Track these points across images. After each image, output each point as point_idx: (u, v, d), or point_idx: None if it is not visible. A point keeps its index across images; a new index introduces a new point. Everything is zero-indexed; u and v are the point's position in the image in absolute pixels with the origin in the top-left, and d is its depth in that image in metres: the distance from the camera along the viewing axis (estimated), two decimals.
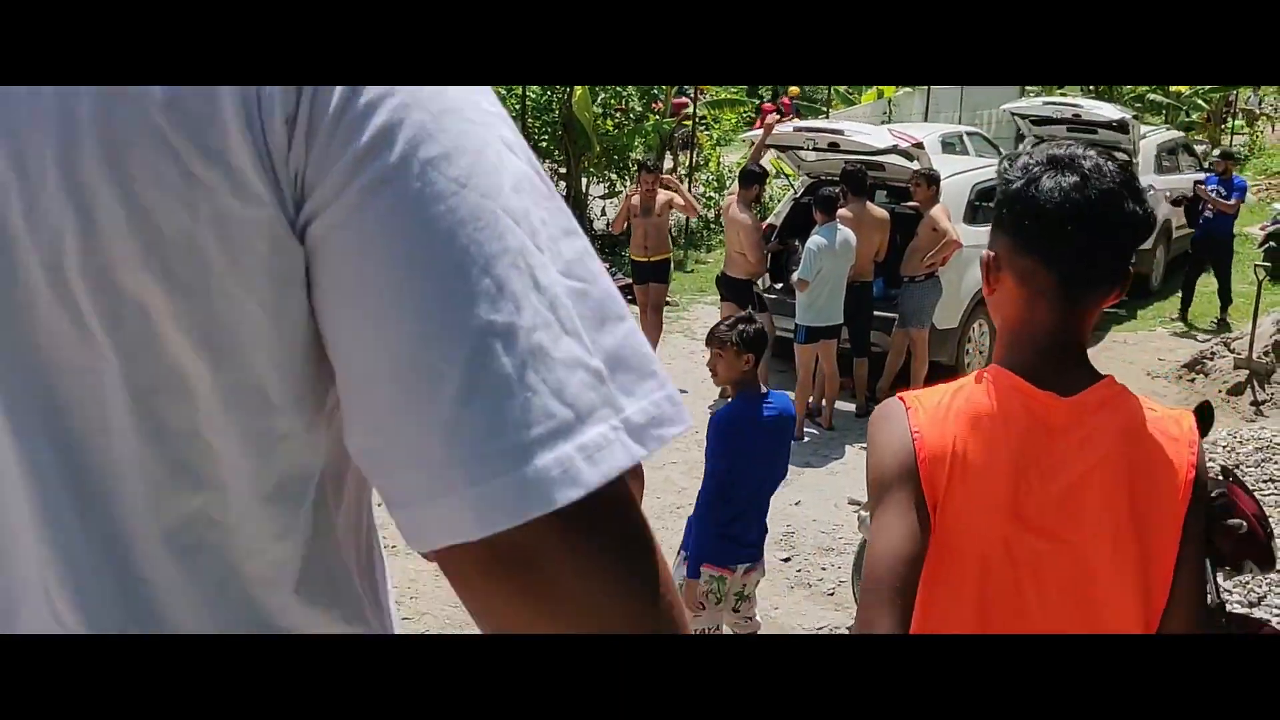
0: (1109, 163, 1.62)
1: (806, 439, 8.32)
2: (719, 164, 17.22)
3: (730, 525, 4.29)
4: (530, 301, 0.67)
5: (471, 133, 0.69)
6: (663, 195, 9.54)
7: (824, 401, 8.62)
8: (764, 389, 4.49)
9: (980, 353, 9.69)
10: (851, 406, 8.95)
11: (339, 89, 0.65)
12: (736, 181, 9.23)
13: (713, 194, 17.15)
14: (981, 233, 9.59)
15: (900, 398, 1.74)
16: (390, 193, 0.65)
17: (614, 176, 15.98)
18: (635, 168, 15.79)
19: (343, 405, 0.70)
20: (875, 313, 8.90)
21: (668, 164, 16.22)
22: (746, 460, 4.27)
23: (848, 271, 8.18)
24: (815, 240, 7.98)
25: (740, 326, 4.37)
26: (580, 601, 0.68)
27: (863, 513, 5.29)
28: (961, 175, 9.44)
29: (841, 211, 8.19)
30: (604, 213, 15.84)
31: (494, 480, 0.64)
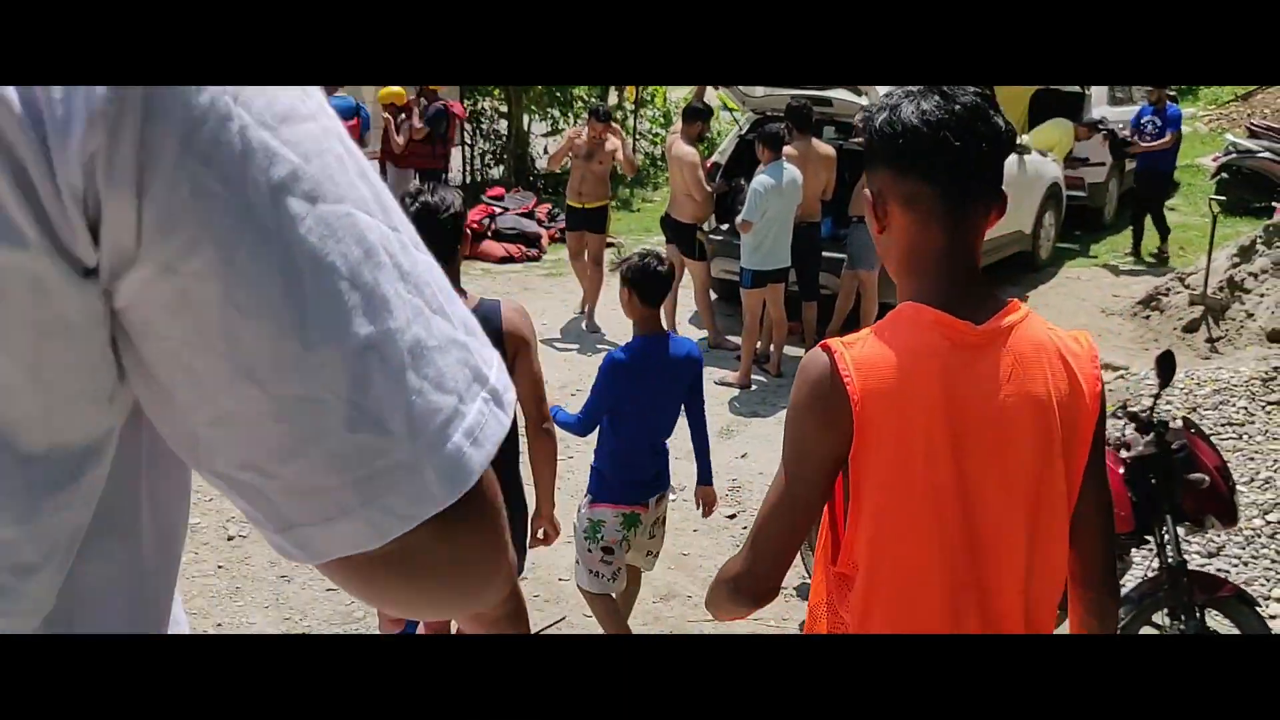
0: (962, 86, 1.71)
1: (755, 387, 8.06)
2: (665, 99, 16.78)
3: (633, 468, 4.21)
4: (400, 295, 0.67)
5: (311, 134, 0.65)
6: (610, 143, 9.13)
7: (772, 347, 8.34)
8: (666, 330, 4.36)
9: None
10: (801, 352, 8.68)
11: (160, 110, 0.58)
12: (680, 118, 8.83)
13: (659, 130, 16.75)
14: None
15: (824, 346, 1.76)
16: (248, 231, 0.61)
17: (556, 114, 15.52)
18: (584, 109, 15.41)
19: (201, 443, 0.67)
20: (824, 254, 8.61)
21: (612, 99, 15.74)
22: (644, 402, 4.17)
23: (795, 212, 7.87)
24: (761, 180, 7.64)
25: (640, 263, 4.16)
26: (450, 576, 0.76)
27: None
28: None
29: (787, 149, 7.86)
30: (545, 151, 15.39)
31: (388, 496, 0.66)
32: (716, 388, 7.87)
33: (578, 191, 9.11)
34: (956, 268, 1.73)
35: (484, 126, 14.90)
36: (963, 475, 1.70)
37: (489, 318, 3.30)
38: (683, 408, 4.35)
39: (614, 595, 4.30)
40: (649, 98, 16.43)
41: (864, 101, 8.55)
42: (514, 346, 3.35)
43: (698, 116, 8.69)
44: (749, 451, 6.86)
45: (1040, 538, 1.76)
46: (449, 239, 3.23)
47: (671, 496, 4.75)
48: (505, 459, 2.82)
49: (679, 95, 17.46)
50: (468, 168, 14.13)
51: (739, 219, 7.87)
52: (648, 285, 4.12)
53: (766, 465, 6.69)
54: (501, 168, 14.65)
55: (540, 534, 3.81)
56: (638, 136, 15.99)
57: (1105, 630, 1.88)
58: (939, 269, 1.73)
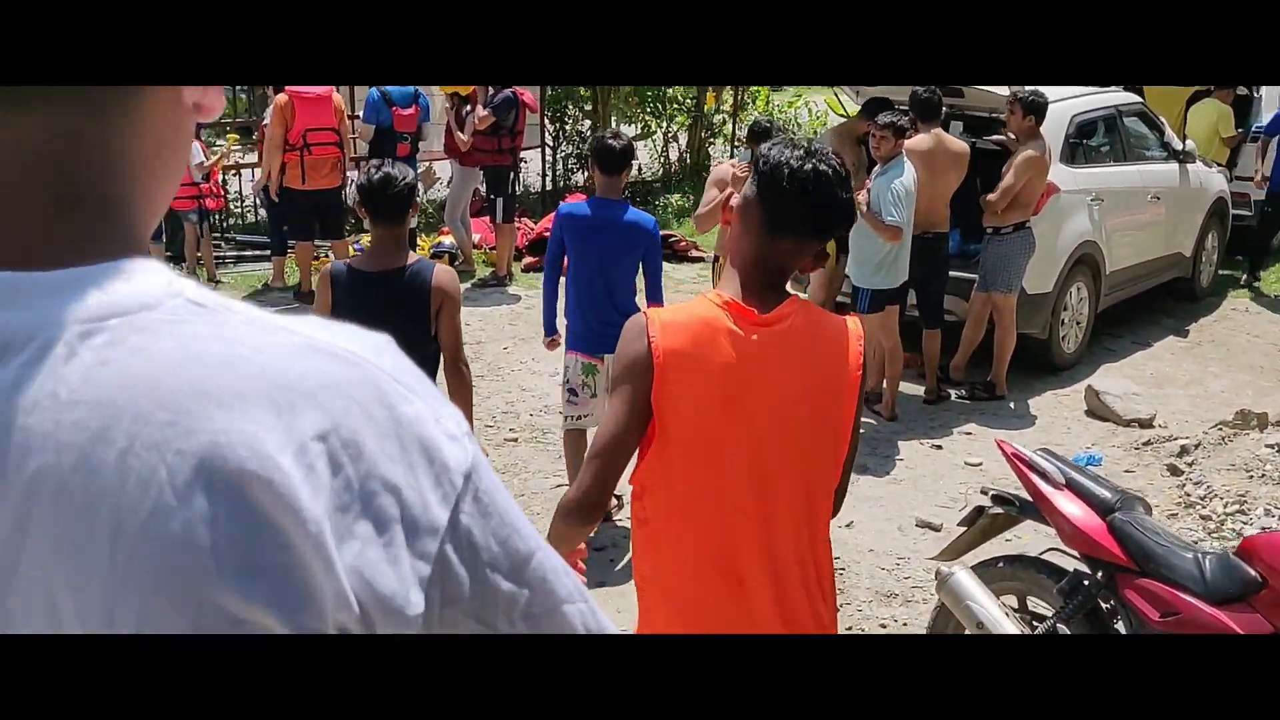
0: (832, 157, 2.25)
1: (862, 430, 6.63)
2: (768, 102, 15.38)
3: (585, 320, 4.99)
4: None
5: None
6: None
7: (884, 384, 6.89)
8: (624, 200, 5.17)
9: (1078, 323, 7.90)
10: (919, 390, 7.22)
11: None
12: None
13: None
14: (1082, 175, 7.81)
15: (644, 312, 2.28)
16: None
17: (649, 117, 14.21)
18: (677, 110, 14.14)
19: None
20: (951, 273, 7.14)
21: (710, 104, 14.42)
22: (593, 259, 4.92)
23: (913, 219, 6.45)
24: (899, 179, 6.20)
25: (598, 139, 5.27)
26: None
27: (945, 567, 3.65)
28: (1058, 104, 7.50)
29: (909, 144, 6.44)
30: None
31: None
32: None
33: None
34: (763, 274, 2.24)
35: (567, 128, 13.68)
36: (749, 423, 2.20)
37: (422, 273, 3.96)
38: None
39: (585, 431, 5.00)
40: (749, 100, 15.04)
41: (1003, 93, 7.07)
42: (439, 299, 3.96)
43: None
44: (855, 519, 5.43)
45: (813, 477, 2.27)
46: (403, 205, 3.98)
47: None
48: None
49: (783, 100, 16.05)
50: (549, 172, 12.90)
51: (887, 221, 6.22)
52: (605, 156, 5.02)
53: (877, 539, 5.25)
54: (586, 173, 13.39)
55: None
56: (736, 144, 14.61)
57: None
58: (745, 273, 2.25)
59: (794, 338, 2.20)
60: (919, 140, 6.59)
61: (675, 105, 14.24)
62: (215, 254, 10.03)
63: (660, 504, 2.26)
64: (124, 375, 0.65)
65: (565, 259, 5.04)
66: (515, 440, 6.17)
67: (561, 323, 5.28)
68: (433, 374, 3.85)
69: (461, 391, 4.10)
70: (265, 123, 8.87)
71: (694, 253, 10.69)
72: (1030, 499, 3.71)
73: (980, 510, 3.93)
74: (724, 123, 14.76)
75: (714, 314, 2.18)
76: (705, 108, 14.41)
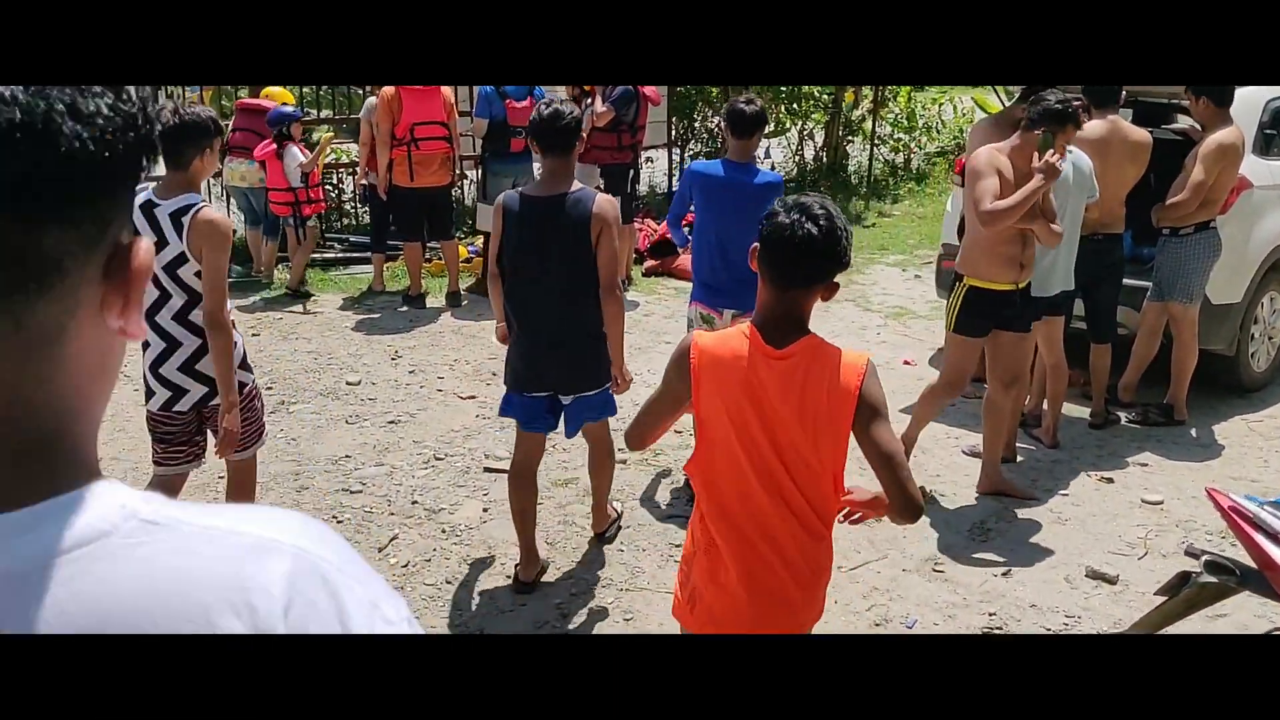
0: (833, 218, 2.64)
1: (1021, 458, 5.81)
2: (909, 100, 14.49)
3: (704, 273, 5.23)
4: None
5: None
6: None
7: (1045, 406, 6.05)
8: (757, 162, 5.38)
9: (1270, 338, 6.92)
10: (1084, 412, 6.36)
11: None
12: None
13: (902, 135, 14.48)
14: (1279, 168, 6.88)
15: (693, 334, 2.84)
16: None
17: (783, 114, 13.46)
18: (812, 108, 13.36)
19: None
20: (1124, 280, 6.25)
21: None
22: (714, 216, 5.14)
23: (1082, 217, 5.61)
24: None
25: (731, 105, 5.23)
26: None
27: None
28: (1247, 92, 6.57)
29: (1082, 132, 5.59)
30: (767, 154, 13.38)
31: None
32: (966, 461, 5.70)
33: None
34: (776, 315, 2.70)
35: (695, 126, 13.04)
36: (762, 420, 2.69)
37: (584, 201, 4.21)
38: None
39: None
40: (890, 96, 14.18)
41: None
42: (598, 226, 4.18)
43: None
44: (1013, 566, 4.64)
45: (810, 488, 2.73)
46: (570, 137, 4.27)
47: None
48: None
49: (925, 97, 15.12)
50: (675, 171, 12.27)
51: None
52: (737, 120, 5.13)
53: (1037, 592, 4.45)
54: None
55: (613, 385, 4.45)
56: (876, 142, 13.77)
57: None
58: (764, 315, 2.72)
59: (797, 373, 2.66)
60: (1093, 127, 5.74)
61: (811, 102, 13.46)
62: (326, 255, 9.67)
63: (699, 486, 2.83)
64: (96, 607, 0.73)
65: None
66: (624, 463, 5.54)
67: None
68: (594, 292, 4.24)
69: (616, 320, 4.32)
70: (364, 117, 8.45)
71: None
72: (1256, 566, 2.91)
73: (1186, 576, 3.14)
74: (863, 119, 13.92)
75: (742, 343, 2.71)
76: (843, 104, 13.60)
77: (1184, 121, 7.26)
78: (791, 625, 2.76)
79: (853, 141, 14.18)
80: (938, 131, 14.89)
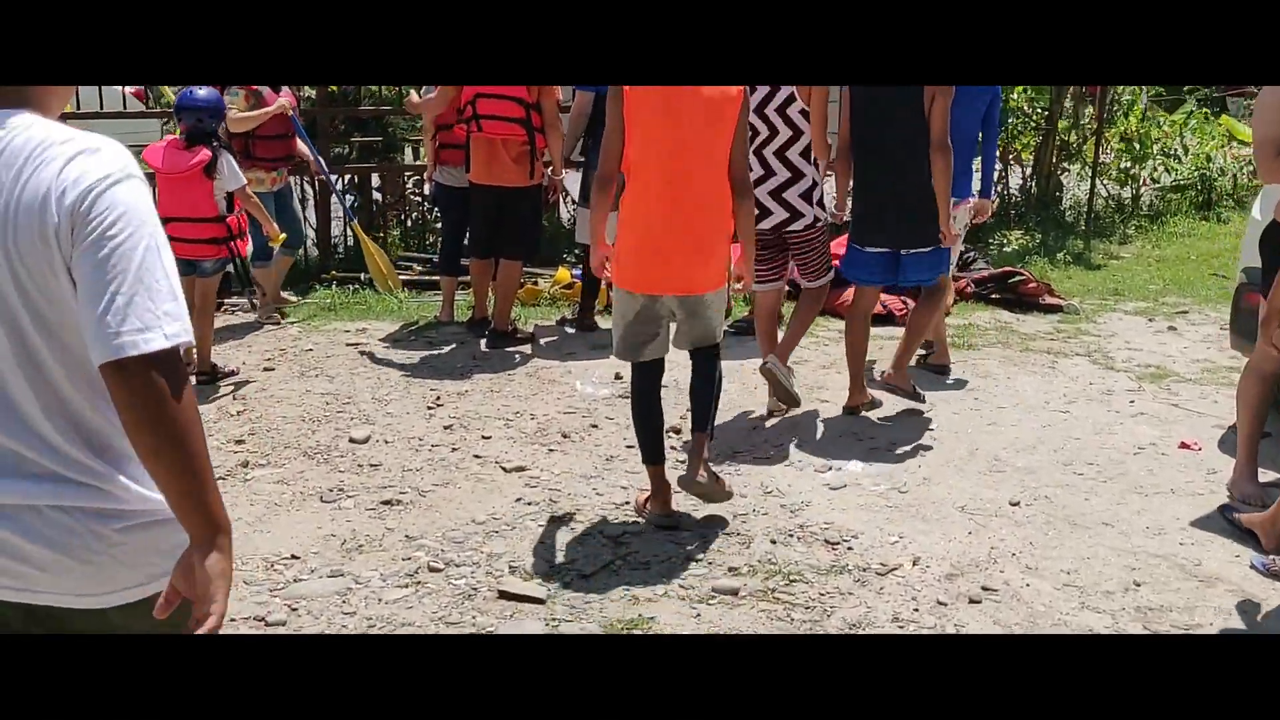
0: None
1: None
2: (1140, 118, 11.81)
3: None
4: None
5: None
6: None
7: None
8: None
9: None
10: None
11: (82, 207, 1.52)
12: None
13: (1128, 163, 11.77)
14: None
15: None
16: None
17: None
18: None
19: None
20: None
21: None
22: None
23: None
24: None
25: None
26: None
27: None
28: None
29: None
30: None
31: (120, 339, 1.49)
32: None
33: None
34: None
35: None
36: (675, 126, 3.84)
37: None
38: None
39: None
40: (1119, 113, 11.55)
41: None
42: None
43: None
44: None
45: (713, 163, 3.92)
46: None
47: None
48: None
49: (1163, 114, 12.42)
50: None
51: None
52: None
53: None
54: None
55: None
56: (1099, 169, 11.20)
57: (743, 219, 4.08)
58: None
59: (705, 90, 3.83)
60: None
61: (1020, 118, 11.00)
62: (402, 276, 7.72)
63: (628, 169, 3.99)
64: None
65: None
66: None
67: None
68: None
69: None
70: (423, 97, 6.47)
71: (1047, 299, 7.51)
72: None
73: None
74: (1084, 142, 11.35)
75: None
76: (1058, 119, 11.04)
77: None
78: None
79: (1068, 170, 11.64)
80: (1178, 160, 12.08)
